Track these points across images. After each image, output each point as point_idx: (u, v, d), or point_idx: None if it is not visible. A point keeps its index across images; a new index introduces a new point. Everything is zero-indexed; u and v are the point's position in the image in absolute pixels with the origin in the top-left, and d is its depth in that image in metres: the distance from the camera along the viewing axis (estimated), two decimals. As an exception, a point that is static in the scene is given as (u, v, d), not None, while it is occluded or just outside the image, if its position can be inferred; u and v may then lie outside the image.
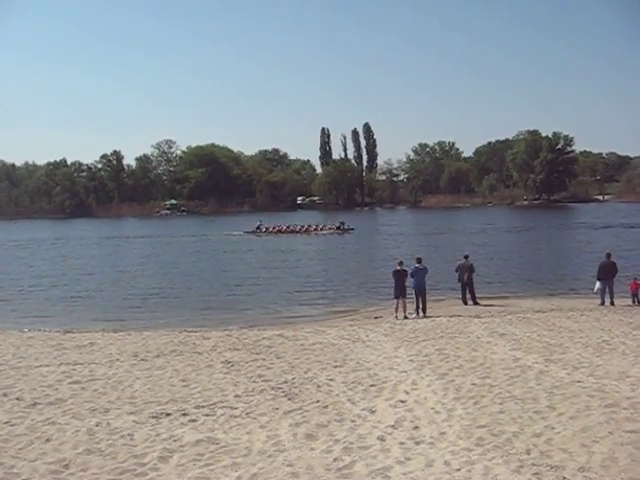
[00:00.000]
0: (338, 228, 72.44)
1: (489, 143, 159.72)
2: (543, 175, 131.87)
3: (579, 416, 9.57)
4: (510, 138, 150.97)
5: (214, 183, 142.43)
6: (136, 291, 31.48)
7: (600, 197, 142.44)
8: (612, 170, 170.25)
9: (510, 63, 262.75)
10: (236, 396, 11.46)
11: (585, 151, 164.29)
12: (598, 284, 23.00)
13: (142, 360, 15.05)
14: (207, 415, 10.31)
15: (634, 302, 22.71)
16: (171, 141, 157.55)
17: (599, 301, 22.81)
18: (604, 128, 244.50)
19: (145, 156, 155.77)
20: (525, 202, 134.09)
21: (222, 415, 10.29)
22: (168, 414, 10.37)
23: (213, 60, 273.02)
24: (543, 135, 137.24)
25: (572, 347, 15.04)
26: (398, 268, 22.23)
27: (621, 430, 8.85)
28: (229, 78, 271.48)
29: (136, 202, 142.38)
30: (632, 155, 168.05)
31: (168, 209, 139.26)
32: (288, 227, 74.34)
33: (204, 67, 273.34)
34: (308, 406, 10.71)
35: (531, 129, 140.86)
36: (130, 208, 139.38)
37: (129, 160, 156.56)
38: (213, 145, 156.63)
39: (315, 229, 73.35)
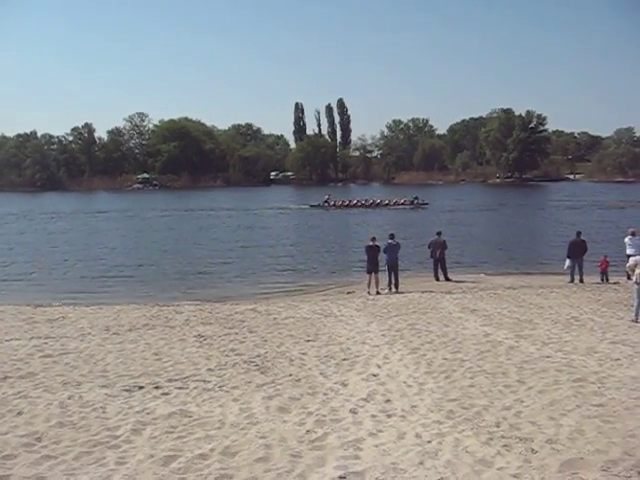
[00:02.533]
0: (412, 203, 70.28)
1: (463, 121, 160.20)
2: (516, 153, 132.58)
3: (548, 390, 9.72)
4: (484, 116, 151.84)
5: (187, 157, 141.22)
6: (117, 266, 31.25)
7: (571, 176, 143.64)
8: (583, 150, 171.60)
9: (484, 43, 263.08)
10: (209, 370, 11.48)
11: (557, 130, 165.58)
12: (568, 262, 23.28)
13: (114, 334, 14.98)
14: (180, 388, 10.30)
15: (603, 280, 23.06)
16: (143, 114, 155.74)
17: (569, 278, 23.12)
18: (576, 108, 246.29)
19: (117, 129, 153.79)
20: (498, 180, 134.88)
21: (195, 388, 10.29)
22: (141, 387, 10.35)
23: (186, 37, 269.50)
24: (516, 114, 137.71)
25: (542, 323, 15.26)
26: (370, 244, 22.31)
27: (588, 404, 9.02)
28: (203, 54, 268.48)
29: (108, 176, 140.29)
30: (603, 135, 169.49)
31: (140, 183, 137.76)
32: (358, 201, 72.70)
33: (177, 43, 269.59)
34: (281, 380, 10.76)
35: (505, 107, 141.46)
36: (102, 182, 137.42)
37: (101, 133, 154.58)
38: (186, 119, 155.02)
39: (387, 204, 71.03)
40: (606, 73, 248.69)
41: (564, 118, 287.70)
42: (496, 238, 42.08)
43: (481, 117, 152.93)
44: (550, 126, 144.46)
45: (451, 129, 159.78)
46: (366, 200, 72.34)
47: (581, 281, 22.84)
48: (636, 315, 15.27)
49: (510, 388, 9.90)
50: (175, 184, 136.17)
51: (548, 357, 11.82)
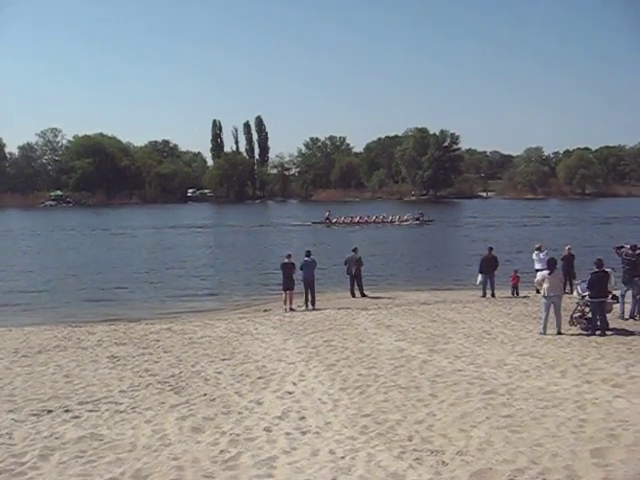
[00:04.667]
0: (417, 219, 69.39)
1: (379, 139, 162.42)
2: (430, 171, 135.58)
3: (459, 403, 9.95)
4: (399, 135, 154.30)
5: (102, 174, 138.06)
6: (22, 289, 30.17)
7: (484, 193, 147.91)
8: (495, 168, 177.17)
9: (401, 60, 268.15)
10: (121, 391, 11.25)
11: (470, 149, 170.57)
12: (480, 277, 23.86)
13: (23, 356, 14.52)
14: (91, 411, 10.06)
15: (513, 294, 23.73)
16: (57, 129, 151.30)
17: (481, 293, 23.68)
18: (488, 128, 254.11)
19: (29, 144, 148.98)
20: (413, 197, 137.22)
21: (106, 411, 10.07)
22: (50, 411, 10.06)
23: (101, 53, 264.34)
24: (431, 133, 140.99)
25: (455, 337, 15.58)
26: (286, 261, 22.33)
27: (497, 415, 9.27)
28: (119, 70, 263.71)
29: (19, 193, 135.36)
30: (514, 154, 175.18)
31: (53, 200, 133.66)
32: (361, 217, 71.40)
33: (93, 59, 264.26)
34: (195, 399, 10.65)
35: (420, 126, 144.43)
36: (12, 199, 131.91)
37: (11, 148, 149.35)
38: (101, 135, 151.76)
39: (392, 220, 70.25)
40: (515, 96, 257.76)
41: (477, 137, 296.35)
42: (411, 254, 42.76)
43: (397, 136, 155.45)
44: (463, 145, 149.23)
45: (367, 147, 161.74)
46: (369, 217, 71.65)
47: (493, 295, 23.43)
48: (544, 328, 15.80)
49: (423, 402, 10.07)
50: (89, 201, 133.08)
51: (460, 370, 12.09)
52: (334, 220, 70.15)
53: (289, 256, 22.63)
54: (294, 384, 11.48)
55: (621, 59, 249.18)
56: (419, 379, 11.50)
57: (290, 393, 10.87)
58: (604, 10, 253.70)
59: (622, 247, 18.67)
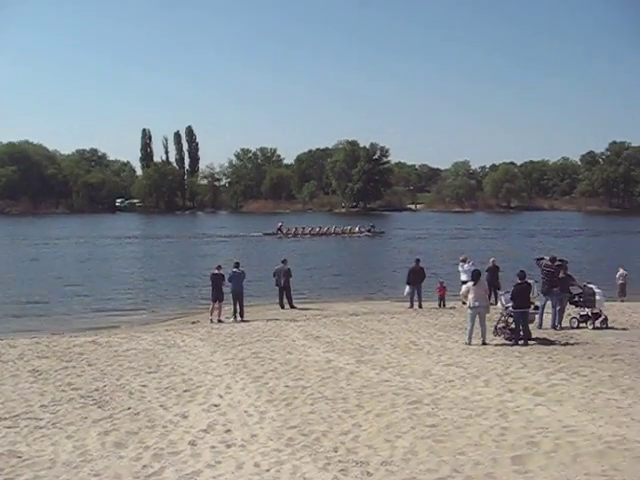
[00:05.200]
0: (369, 231, 70.28)
1: (310, 151, 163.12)
2: (360, 184, 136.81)
3: (385, 413, 10.03)
4: (330, 147, 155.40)
5: (27, 182, 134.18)
6: None
7: (413, 206, 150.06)
8: (424, 181, 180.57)
9: (332, 72, 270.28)
10: (42, 406, 10.95)
11: (400, 162, 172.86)
12: (407, 288, 24.17)
13: (-63, 372, 13.98)
14: (9, 427, 9.76)
15: (440, 305, 24.13)
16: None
17: (408, 304, 23.99)
18: (417, 141, 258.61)
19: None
20: (343, 209, 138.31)
21: (26, 427, 9.79)
22: (-35, 428, 9.71)
23: (29, 54, 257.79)
24: (361, 145, 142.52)
25: (382, 348, 15.72)
26: (216, 272, 22.17)
27: (422, 425, 9.38)
28: (48, 77, 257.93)
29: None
30: (442, 168, 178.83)
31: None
32: (313, 229, 71.25)
33: (23, 65, 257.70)
34: (119, 414, 10.45)
35: (350, 139, 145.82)
36: None
37: None
38: (27, 142, 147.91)
39: (343, 232, 70.65)
40: (442, 111, 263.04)
41: (406, 151, 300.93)
42: (340, 265, 43.03)
43: (327, 148, 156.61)
44: (393, 158, 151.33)
45: (298, 159, 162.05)
46: (320, 228, 71.67)
47: (420, 306, 23.77)
48: (469, 338, 16.09)
49: (349, 413, 10.11)
50: (13, 210, 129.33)
51: (387, 381, 12.19)
52: (285, 231, 70.20)
53: (219, 267, 22.48)
54: (220, 397, 11.38)
55: (548, 75, 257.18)
56: (346, 390, 11.55)
57: (216, 406, 10.78)
58: (532, 19, 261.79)
59: (542, 259, 19.25)
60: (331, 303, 26.37)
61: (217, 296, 21.65)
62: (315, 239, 66.51)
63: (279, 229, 70.34)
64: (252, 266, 34.41)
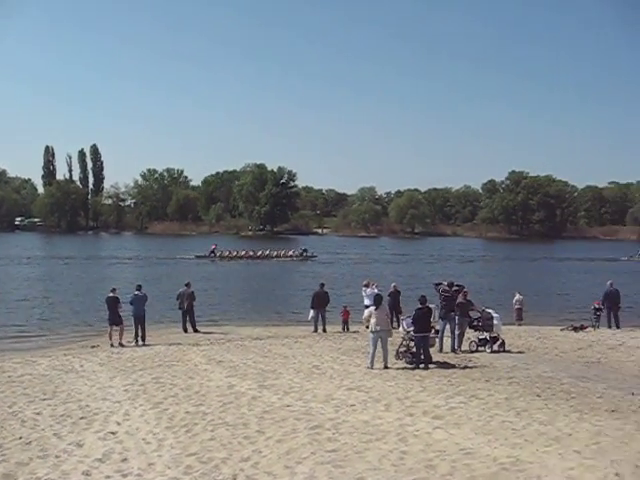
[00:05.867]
0: (301, 254, 70.71)
1: (217, 173, 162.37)
2: (268, 207, 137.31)
3: (286, 439, 9.97)
4: (238, 170, 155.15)
5: None
6: None
7: (319, 230, 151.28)
8: (331, 205, 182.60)
9: (239, 94, 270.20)
10: None
11: (307, 186, 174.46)
12: (312, 312, 24.27)
13: None
14: None
15: (344, 329, 24.30)
16: None
17: (312, 328, 24.07)
18: (325, 166, 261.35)
19: None
20: (250, 232, 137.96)
21: None
22: None
23: None
24: (269, 169, 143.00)
25: (285, 373, 15.68)
26: (110, 294, 21.61)
27: (323, 450, 9.37)
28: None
29: None
30: (349, 192, 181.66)
31: None
32: (247, 252, 70.43)
33: None
34: (9, 443, 10.02)
35: (258, 162, 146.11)
36: None
37: None
38: None
39: (277, 255, 70.30)
40: (350, 137, 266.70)
41: (313, 175, 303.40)
42: (245, 289, 42.87)
43: (235, 170, 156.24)
44: (300, 182, 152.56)
45: (205, 181, 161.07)
46: (254, 252, 71.20)
47: (324, 330, 23.88)
48: (371, 362, 16.23)
49: (250, 439, 10.01)
50: None
51: (288, 406, 12.15)
52: (219, 254, 69.78)
53: (113, 290, 21.93)
54: (118, 424, 11.08)
55: (455, 103, 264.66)
56: (247, 416, 11.45)
57: (113, 433, 10.48)
58: (443, 42, 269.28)
59: (440, 284, 19.74)
60: (235, 327, 26.18)
61: (114, 319, 21.12)
62: (250, 262, 66.55)
63: (212, 252, 69.96)
64: (158, 289, 33.79)
